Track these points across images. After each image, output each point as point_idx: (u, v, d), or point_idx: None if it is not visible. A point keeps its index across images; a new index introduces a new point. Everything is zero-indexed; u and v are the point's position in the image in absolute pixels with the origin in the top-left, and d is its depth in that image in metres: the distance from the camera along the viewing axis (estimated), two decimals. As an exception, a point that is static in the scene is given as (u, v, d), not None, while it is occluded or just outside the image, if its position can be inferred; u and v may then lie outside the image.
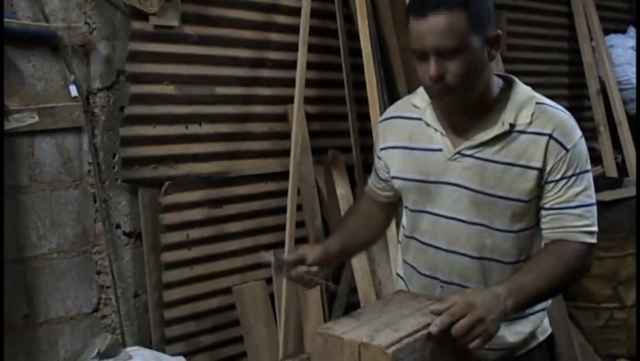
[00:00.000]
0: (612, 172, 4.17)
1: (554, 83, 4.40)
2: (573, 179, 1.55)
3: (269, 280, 2.99)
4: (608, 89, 4.26)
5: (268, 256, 1.63)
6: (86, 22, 2.50)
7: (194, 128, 2.81)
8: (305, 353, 1.66)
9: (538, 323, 1.70)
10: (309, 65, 2.93)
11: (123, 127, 2.59)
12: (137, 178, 2.65)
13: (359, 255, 2.68)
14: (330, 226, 3.14)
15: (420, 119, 1.66)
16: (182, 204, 2.77)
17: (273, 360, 2.90)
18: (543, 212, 1.58)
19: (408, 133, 1.68)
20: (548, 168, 1.54)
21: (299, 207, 3.02)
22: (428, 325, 1.38)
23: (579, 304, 3.46)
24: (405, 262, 1.77)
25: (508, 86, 1.61)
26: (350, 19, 3.15)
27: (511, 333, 1.63)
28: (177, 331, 2.76)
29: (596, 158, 4.13)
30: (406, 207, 1.72)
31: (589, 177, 1.58)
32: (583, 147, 1.57)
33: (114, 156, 2.61)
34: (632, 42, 4.49)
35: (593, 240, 1.56)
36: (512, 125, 1.55)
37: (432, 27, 1.46)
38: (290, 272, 1.65)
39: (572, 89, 4.62)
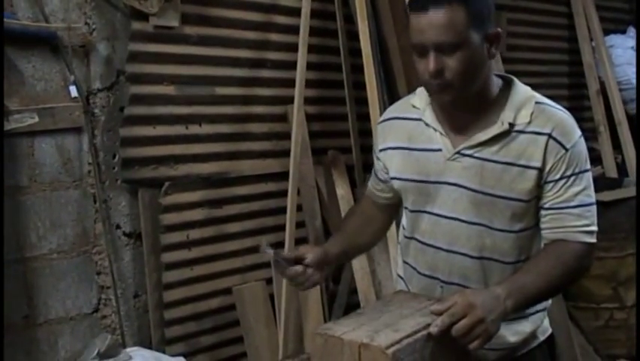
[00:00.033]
0: (612, 172, 4.17)
1: (554, 83, 4.40)
2: (572, 178, 1.55)
3: (269, 281, 2.99)
4: (607, 89, 4.26)
5: (268, 250, 1.62)
6: (86, 23, 2.50)
7: (194, 129, 2.81)
8: (305, 354, 1.66)
9: (538, 323, 1.70)
10: (309, 66, 2.93)
11: (123, 127, 2.59)
12: (137, 179, 2.65)
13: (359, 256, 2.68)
14: (330, 227, 3.14)
15: (419, 119, 1.66)
16: (182, 204, 2.77)
17: (272, 360, 2.90)
18: (542, 212, 1.57)
19: (407, 134, 1.68)
20: (548, 168, 1.54)
21: (299, 208, 3.02)
22: (428, 325, 1.38)
23: (579, 305, 3.46)
24: (405, 262, 1.77)
25: (508, 85, 1.61)
26: (350, 19, 3.15)
27: (512, 333, 1.63)
28: (177, 331, 2.77)
29: (595, 158, 4.13)
30: (406, 208, 1.72)
31: (588, 177, 1.57)
32: (582, 146, 1.57)
33: (114, 157, 2.61)
34: (632, 42, 4.49)
35: (593, 239, 1.56)
36: (511, 125, 1.55)
37: (432, 22, 1.46)
38: (286, 269, 1.64)
39: (572, 90, 4.62)
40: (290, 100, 2.94)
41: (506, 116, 1.56)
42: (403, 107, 1.75)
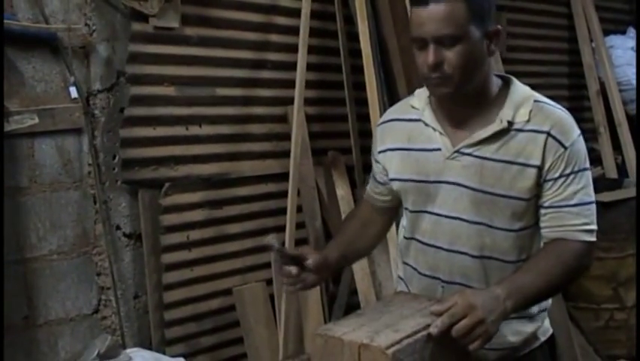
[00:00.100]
0: (612, 173, 4.18)
1: (554, 84, 4.40)
2: (572, 177, 1.55)
3: (269, 282, 2.99)
4: (607, 90, 4.27)
5: (273, 241, 1.62)
6: (86, 24, 2.50)
7: (195, 130, 2.81)
8: (305, 354, 1.66)
9: (539, 324, 1.69)
10: (309, 67, 2.93)
11: (123, 128, 2.59)
12: (137, 179, 2.65)
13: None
14: (331, 227, 3.14)
15: (418, 120, 1.67)
16: (183, 205, 2.77)
17: (273, 361, 2.90)
18: (542, 211, 1.58)
19: (406, 135, 1.68)
20: (547, 166, 1.54)
21: (299, 209, 3.02)
22: (428, 326, 1.38)
23: (579, 305, 3.46)
24: (405, 263, 1.77)
25: (507, 85, 1.62)
26: (350, 20, 3.16)
27: (512, 333, 1.63)
28: (177, 332, 2.76)
29: (596, 159, 4.13)
30: (406, 209, 1.72)
31: (588, 176, 1.58)
32: (581, 145, 1.58)
33: (114, 158, 2.61)
34: (632, 43, 4.49)
35: (593, 238, 1.56)
36: (510, 123, 1.55)
37: (432, 14, 1.48)
38: (283, 266, 1.64)
39: (572, 90, 4.62)
40: (290, 101, 2.94)
41: (505, 114, 1.56)
42: (402, 108, 1.75)
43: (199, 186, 2.82)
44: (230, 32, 2.88)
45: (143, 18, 2.59)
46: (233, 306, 2.91)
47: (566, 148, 1.54)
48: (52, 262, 2.46)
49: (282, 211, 2.89)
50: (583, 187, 1.56)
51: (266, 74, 3.02)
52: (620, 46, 4.47)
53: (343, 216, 2.94)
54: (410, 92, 1.82)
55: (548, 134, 1.54)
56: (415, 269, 1.72)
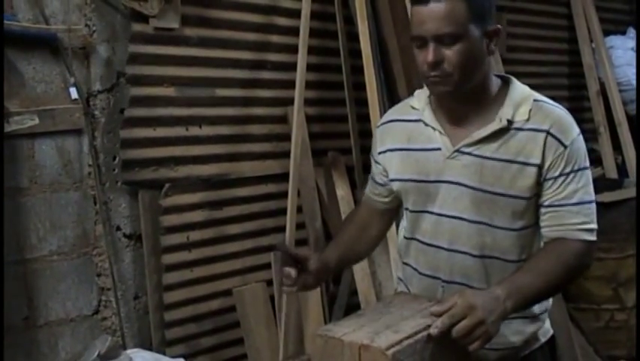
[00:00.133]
0: (612, 173, 4.18)
1: (554, 84, 4.40)
2: (572, 176, 1.55)
3: (269, 282, 2.99)
4: (607, 90, 4.27)
5: (281, 241, 1.62)
6: (86, 25, 2.50)
7: (195, 131, 2.81)
8: (305, 355, 1.66)
9: (540, 325, 1.70)
10: (309, 67, 2.93)
11: (123, 129, 2.59)
12: (138, 180, 2.65)
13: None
14: (331, 228, 3.14)
15: (418, 120, 1.67)
16: (183, 206, 2.77)
17: (273, 362, 2.90)
18: (542, 210, 1.58)
19: (406, 135, 1.69)
20: (547, 165, 1.54)
21: (299, 209, 3.02)
22: (428, 326, 1.38)
23: (580, 306, 3.46)
24: (405, 263, 1.77)
25: (506, 84, 1.63)
26: (350, 20, 3.16)
27: (514, 332, 1.63)
28: (178, 333, 2.76)
29: (596, 159, 4.13)
30: (406, 209, 1.72)
31: (588, 175, 1.58)
32: (581, 143, 1.58)
33: (114, 158, 2.61)
34: (632, 43, 4.49)
35: (593, 237, 1.56)
36: (510, 122, 1.56)
37: (432, 13, 1.49)
38: (283, 267, 1.63)
39: (572, 91, 4.62)
40: (290, 101, 2.94)
41: (505, 113, 1.57)
42: (402, 109, 1.76)
43: (199, 187, 2.82)
44: (231, 33, 2.88)
45: (143, 19, 2.59)
46: (233, 307, 2.91)
47: (565, 147, 1.54)
48: (52, 263, 2.46)
49: (282, 212, 2.89)
50: (583, 186, 1.56)
51: (266, 75, 3.02)
52: (620, 46, 4.47)
53: (343, 216, 2.94)
54: (410, 92, 1.82)
55: (548, 132, 1.54)
56: (415, 269, 1.72)
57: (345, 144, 3.21)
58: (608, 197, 3.35)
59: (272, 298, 2.97)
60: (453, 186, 1.60)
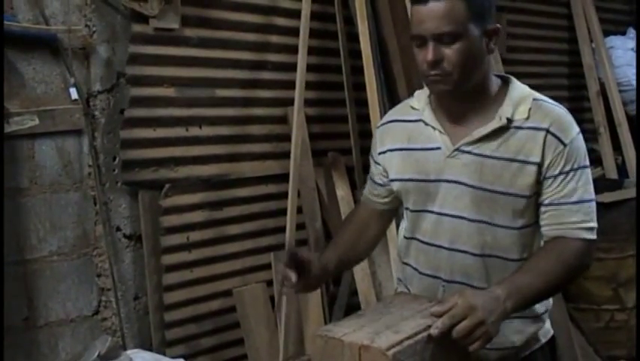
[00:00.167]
0: (612, 174, 4.18)
1: (554, 84, 4.40)
2: (571, 174, 1.55)
3: (269, 283, 2.99)
4: (607, 90, 4.27)
5: (292, 244, 1.62)
6: (87, 25, 2.50)
7: (195, 131, 2.81)
8: (305, 356, 1.67)
9: (541, 325, 1.70)
10: (309, 68, 2.93)
11: (123, 130, 2.59)
12: (138, 181, 2.65)
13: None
14: (331, 228, 3.14)
15: (418, 120, 1.67)
16: (183, 206, 2.77)
17: (273, 362, 2.90)
18: (542, 208, 1.58)
19: (407, 135, 1.69)
20: (547, 163, 1.55)
21: (299, 210, 3.02)
22: (429, 327, 1.38)
23: (580, 306, 3.46)
24: (405, 263, 1.77)
25: (506, 84, 1.64)
26: (350, 21, 3.16)
27: (513, 332, 1.63)
28: (178, 333, 2.76)
29: (596, 159, 4.13)
30: (407, 209, 1.72)
31: (587, 173, 1.58)
32: (581, 142, 1.58)
33: (114, 159, 2.61)
34: (632, 43, 4.49)
35: (593, 236, 1.56)
36: (510, 121, 1.56)
37: (431, 12, 1.50)
38: (285, 270, 1.63)
39: (572, 91, 4.62)
40: (290, 102, 2.94)
41: (504, 112, 1.57)
42: (402, 110, 1.76)
43: (199, 188, 2.82)
44: (231, 33, 2.88)
45: (143, 19, 2.59)
46: (233, 307, 2.91)
47: (565, 145, 1.55)
48: (52, 264, 2.46)
49: (282, 212, 2.89)
50: (583, 185, 1.56)
51: (266, 75, 3.02)
52: (620, 46, 4.47)
53: (343, 217, 2.94)
54: (410, 93, 1.83)
55: (547, 131, 1.54)
56: (415, 269, 1.72)
57: (345, 144, 3.21)
58: (608, 197, 3.35)
59: (272, 298, 2.97)
60: (453, 185, 1.60)
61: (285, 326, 2.85)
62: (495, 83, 1.63)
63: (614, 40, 4.50)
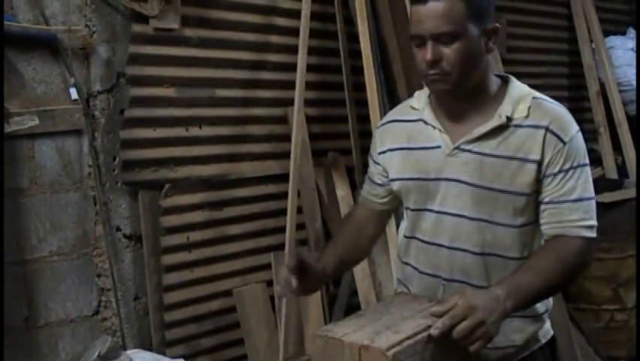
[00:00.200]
0: (612, 174, 4.18)
1: (554, 84, 4.40)
2: (571, 172, 1.55)
3: (269, 283, 2.99)
4: (607, 90, 4.27)
5: (301, 249, 1.62)
6: (87, 25, 2.50)
7: (195, 131, 2.81)
8: (305, 356, 1.66)
9: (541, 324, 1.69)
10: (309, 68, 2.93)
11: (123, 130, 2.59)
12: (138, 181, 2.65)
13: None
14: (331, 228, 3.14)
15: (418, 120, 1.68)
16: (183, 206, 2.77)
17: (273, 362, 2.90)
18: (542, 206, 1.58)
19: (407, 135, 1.69)
20: (546, 161, 1.55)
21: (299, 210, 3.02)
22: (429, 327, 1.38)
23: (580, 306, 3.46)
24: (405, 263, 1.77)
25: (505, 83, 1.64)
26: (350, 21, 3.16)
27: (514, 331, 1.62)
28: (178, 333, 2.76)
29: (596, 159, 4.13)
30: (407, 208, 1.73)
31: (587, 171, 1.58)
32: (580, 141, 1.59)
33: (114, 159, 2.61)
34: (632, 44, 4.49)
35: (593, 234, 1.56)
36: (509, 119, 1.57)
37: (430, 12, 1.50)
38: (287, 273, 1.63)
39: (572, 91, 4.62)
40: (290, 102, 2.94)
41: (504, 110, 1.58)
42: (402, 110, 1.77)
43: (199, 188, 2.82)
44: (230, 33, 2.88)
45: (144, 19, 2.59)
46: (233, 307, 2.91)
47: (565, 143, 1.55)
48: (52, 264, 2.46)
49: (282, 212, 2.89)
50: (582, 183, 1.56)
51: (266, 75, 3.02)
52: (620, 47, 4.47)
53: (342, 218, 2.94)
54: (410, 93, 1.83)
55: (547, 129, 1.55)
56: (415, 268, 1.72)
57: (345, 144, 3.21)
58: (608, 197, 3.35)
59: (272, 298, 2.97)
60: (453, 184, 1.60)
61: (285, 326, 2.85)
62: (494, 82, 1.64)
63: (614, 40, 4.50)
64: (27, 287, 2.40)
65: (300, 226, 3.02)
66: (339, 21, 3.14)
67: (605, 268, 3.35)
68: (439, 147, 1.62)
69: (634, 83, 4.30)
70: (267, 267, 3.00)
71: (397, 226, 1.89)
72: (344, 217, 2.05)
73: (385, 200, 1.80)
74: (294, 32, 2.92)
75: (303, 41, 2.87)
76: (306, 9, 2.87)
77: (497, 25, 1.58)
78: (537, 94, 1.62)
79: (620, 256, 3.39)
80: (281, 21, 3.03)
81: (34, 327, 2.42)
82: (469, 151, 1.59)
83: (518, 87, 1.62)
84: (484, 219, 1.59)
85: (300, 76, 2.86)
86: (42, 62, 2.40)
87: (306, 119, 3.03)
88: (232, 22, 2.88)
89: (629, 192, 3.52)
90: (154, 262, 2.70)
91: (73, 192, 2.50)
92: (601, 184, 2.98)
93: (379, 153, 1.76)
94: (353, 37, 3.09)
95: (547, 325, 1.73)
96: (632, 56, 4.41)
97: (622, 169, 4.19)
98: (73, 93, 2.45)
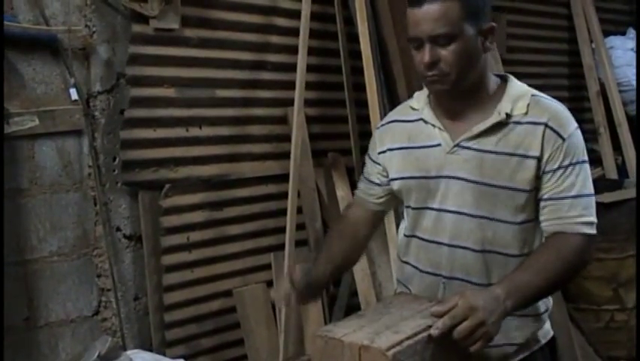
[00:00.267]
0: (612, 174, 4.18)
1: (554, 84, 4.40)
2: (570, 169, 1.56)
3: (269, 283, 2.99)
4: (607, 90, 4.27)
5: (303, 266, 1.70)
6: (87, 25, 2.51)
7: (195, 131, 2.81)
8: (305, 356, 1.66)
9: (541, 324, 1.70)
10: (309, 68, 2.93)
11: (123, 130, 2.60)
12: (138, 181, 2.65)
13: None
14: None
15: (418, 120, 1.69)
16: (183, 206, 2.77)
17: (273, 363, 2.90)
18: (541, 203, 1.58)
19: (407, 134, 1.70)
20: (546, 157, 1.56)
21: (299, 210, 3.02)
22: (429, 327, 1.38)
23: (580, 306, 3.46)
24: (405, 262, 1.77)
25: (504, 82, 1.66)
26: (350, 21, 3.16)
27: (514, 329, 1.62)
28: (178, 334, 2.76)
29: (596, 159, 4.13)
30: (408, 207, 1.73)
31: (586, 168, 1.59)
32: (579, 137, 1.59)
33: (114, 159, 2.61)
34: (632, 44, 4.49)
35: (593, 231, 1.57)
36: (509, 116, 1.58)
37: (426, 14, 1.52)
38: (288, 290, 1.69)
39: (572, 91, 4.62)
40: (290, 102, 2.94)
41: (503, 107, 1.59)
42: (402, 110, 1.78)
43: (199, 188, 2.83)
44: (230, 34, 2.88)
45: (144, 19, 2.59)
46: (233, 307, 2.91)
47: (564, 140, 1.56)
48: (52, 264, 2.46)
49: (282, 212, 2.89)
50: (581, 179, 1.57)
51: (266, 76, 3.02)
52: (620, 47, 4.47)
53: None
54: (410, 93, 1.84)
55: (546, 125, 1.56)
56: (415, 267, 1.72)
57: (345, 144, 3.21)
58: (608, 197, 3.35)
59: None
60: (453, 181, 1.61)
61: (285, 326, 2.85)
62: (493, 81, 1.65)
63: (614, 41, 4.50)
64: (27, 287, 2.40)
65: (300, 226, 3.02)
66: (339, 21, 3.14)
67: (605, 268, 3.35)
68: (439, 145, 1.63)
69: (634, 83, 4.30)
70: (267, 267, 3.00)
71: (397, 226, 1.88)
72: (338, 218, 2.06)
73: (381, 200, 1.81)
74: (294, 32, 2.92)
75: (303, 42, 2.87)
76: (306, 9, 2.87)
77: (493, 24, 1.59)
78: (536, 92, 1.64)
79: (620, 256, 3.39)
80: (281, 21, 3.04)
81: (35, 327, 2.43)
82: (469, 148, 1.59)
83: (517, 86, 1.64)
84: (484, 216, 1.59)
85: (300, 76, 2.86)
86: (42, 62, 2.40)
87: (306, 120, 3.03)
88: (232, 23, 2.88)
89: (629, 192, 3.52)
90: (154, 263, 2.70)
91: (73, 192, 2.50)
92: (601, 184, 2.98)
93: (379, 153, 1.76)
94: (353, 38, 3.09)
95: (547, 325, 1.73)
96: (632, 56, 4.41)
97: (622, 169, 4.19)
98: (74, 94, 2.45)
